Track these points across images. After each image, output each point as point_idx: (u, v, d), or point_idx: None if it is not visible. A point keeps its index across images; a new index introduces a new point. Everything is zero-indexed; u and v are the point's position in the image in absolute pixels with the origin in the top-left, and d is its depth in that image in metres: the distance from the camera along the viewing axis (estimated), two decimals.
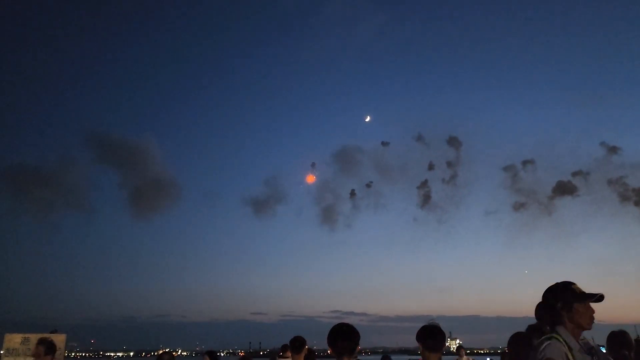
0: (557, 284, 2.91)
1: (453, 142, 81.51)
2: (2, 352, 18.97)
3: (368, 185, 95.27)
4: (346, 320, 2.92)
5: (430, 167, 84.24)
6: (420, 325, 3.23)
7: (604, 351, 4.13)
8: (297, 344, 5.49)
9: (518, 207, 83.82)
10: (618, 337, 4.29)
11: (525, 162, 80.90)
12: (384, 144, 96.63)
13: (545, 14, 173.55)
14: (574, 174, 74.28)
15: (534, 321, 4.02)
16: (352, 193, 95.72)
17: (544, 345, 2.67)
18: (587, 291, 2.80)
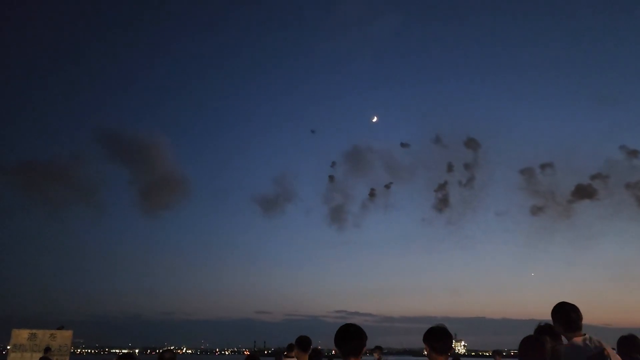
0: None
1: (471, 143, 79.52)
2: (9, 347, 19.13)
3: (387, 187, 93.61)
4: (351, 321, 2.90)
5: (447, 168, 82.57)
6: (426, 326, 3.21)
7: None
8: (305, 343, 5.50)
9: (536, 211, 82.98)
10: (629, 341, 4.32)
11: (543, 165, 79.93)
12: (403, 145, 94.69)
13: (566, 16, 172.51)
14: (593, 177, 73.53)
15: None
16: (372, 193, 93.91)
17: None
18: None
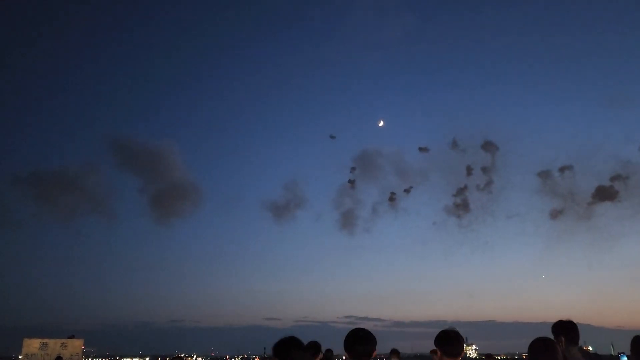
0: None
1: (488, 147, 78.29)
2: (20, 357, 19.25)
3: (407, 191, 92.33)
4: (361, 326, 2.91)
5: (466, 172, 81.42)
6: (436, 330, 3.20)
7: (625, 358, 4.03)
8: (314, 349, 5.50)
9: (556, 214, 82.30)
10: None
11: (562, 168, 79.33)
12: (421, 149, 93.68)
13: (585, 17, 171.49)
14: (613, 178, 72.92)
15: (549, 326, 3.95)
16: (392, 197, 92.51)
17: None
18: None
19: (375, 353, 2.80)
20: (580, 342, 3.99)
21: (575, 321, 4.02)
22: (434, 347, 3.13)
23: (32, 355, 19.24)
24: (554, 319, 4.06)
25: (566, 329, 3.95)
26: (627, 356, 4.21)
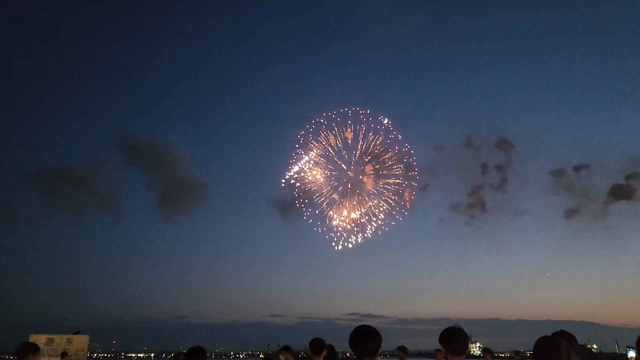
0: None
1: (503, 145, 76.87)
2: None
3: (423, 189, 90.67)
4: (365, 323, 2.92)
5: (475, 171, 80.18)
6: (440, 328, 3.20)
7: (632, 354, 4.02)
8: (317, 345, 5.50)
9: (571, 213, 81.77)
10: None
11: (577, 167, 78.82)
12: (436, 147, 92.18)
13: (599, 14, 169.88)
14: (629, 177, 72.41)
15: (554, 324, 3.95)
16: (407, 196, 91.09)
17: None
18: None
19: (380, 350, 2.81)
20: (585, 340, 4.00)
21: (579, 319, 4.04)
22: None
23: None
24: (558, 317, 4.07)
25: (565, 338, 3.98)
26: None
